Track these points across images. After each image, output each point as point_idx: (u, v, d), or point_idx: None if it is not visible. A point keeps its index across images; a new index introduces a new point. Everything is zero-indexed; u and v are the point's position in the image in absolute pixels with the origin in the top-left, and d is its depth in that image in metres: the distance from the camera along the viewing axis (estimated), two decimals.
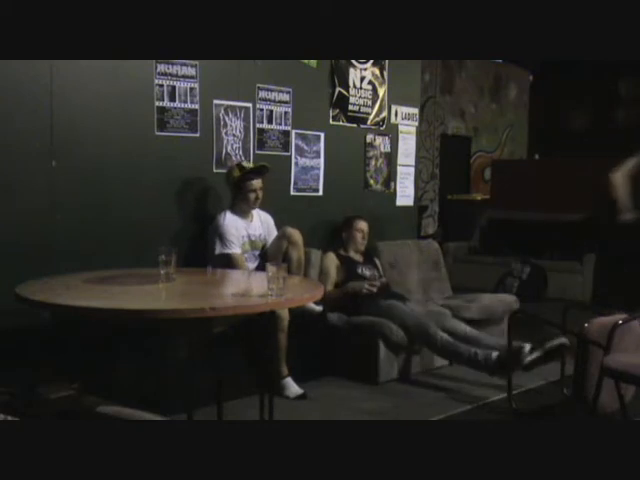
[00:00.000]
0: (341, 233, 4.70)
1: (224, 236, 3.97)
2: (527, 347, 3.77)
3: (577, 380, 3.13)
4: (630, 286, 6.37)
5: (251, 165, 4.18)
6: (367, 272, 4.57)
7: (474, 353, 3.91)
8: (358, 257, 4.67)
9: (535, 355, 3.77)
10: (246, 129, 4.45)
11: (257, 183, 4.08)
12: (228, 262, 3.92)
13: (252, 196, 4.07)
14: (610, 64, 9.11)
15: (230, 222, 4.02)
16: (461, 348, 3.97)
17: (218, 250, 3.96)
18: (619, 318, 3.07)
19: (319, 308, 3.94)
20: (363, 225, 4.68)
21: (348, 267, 4.54)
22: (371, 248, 4.88)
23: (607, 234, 7.11)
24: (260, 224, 4.21)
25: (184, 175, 4.12)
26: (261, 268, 3.90)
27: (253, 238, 4.14)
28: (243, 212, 4.12)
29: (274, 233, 4.23)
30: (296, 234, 4.07)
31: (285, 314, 3.77)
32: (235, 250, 3.98)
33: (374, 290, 4.33)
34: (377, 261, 4.83)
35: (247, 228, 4.11)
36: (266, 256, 4.08)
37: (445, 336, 4.02)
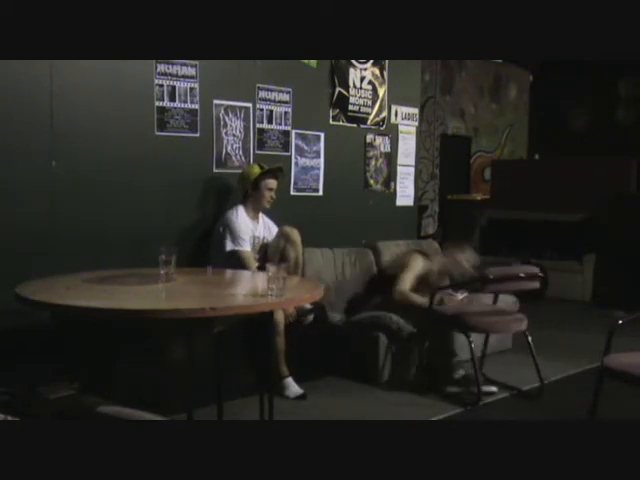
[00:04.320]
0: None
1: (236, 233, 3.98)
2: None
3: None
4: (630, 286, 6.39)
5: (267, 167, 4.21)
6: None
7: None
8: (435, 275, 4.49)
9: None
10: (246, 129, 4.45)
11: (274, 183, 4.15)
12: (238, 259, 3.92)
13: (269, 194, 4.12)
14: (610, 64, 9.10)
15: (242, 219, 4.05)
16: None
17: (229, 247, 3.97)
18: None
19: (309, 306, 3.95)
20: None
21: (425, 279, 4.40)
22: None
23: (607, 234, 7.13)
24: (264, 228, 4.22)
25: (184, 175, 4.12)
26: (260, 268, 3.91)
27: (257, 241, 4.15)
28: (253, 212, 4.15)
29: None
30: (294, 233, 4.08)
31: (280, 318, 3.77)
32: (246, 248, 4.00)
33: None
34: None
35: (254, 229, 4.13)
36: (266, 255, 4.09)
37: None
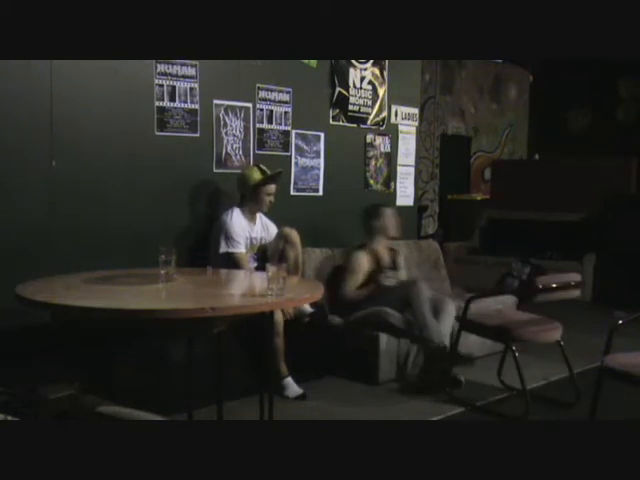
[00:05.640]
0: (369, 222, 4.64)
1: (230, 235, 3.98)
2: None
3: None
4: (630, 286, 6.39)
5: (269, 171, 4.16)
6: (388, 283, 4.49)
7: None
8: (386, 257, 4.65)
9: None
10: (246, 129, 4.45)
11: (274, 188, 4.15)
12: (232, 261, 3.92)
13: (267, 199, 4.11)
14: (610, 64, 9.10)
15: (237, 221, 4.04)
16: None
17: (223, 249, 3.97)
18: None
19: (309, 310, 3.95)
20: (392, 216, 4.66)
21: (375, 272, 4.53)
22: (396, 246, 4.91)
23: (607, 234, 7.13)
24: (262, 228, 4.22)
25: (184, 175, 4.12)
26: (259, 269, 3.91)
27: (254, 242, 4.15)
28: (250, 214, 4.15)
29: None
30: (293, 234, 4.08)
31: (279, 318, 3.77)
32: (240, 250, 4.00)
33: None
34: (400, 261, 4.80)
35: (250, 231, 4.13)
36: (265, 256, 4.09)
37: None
